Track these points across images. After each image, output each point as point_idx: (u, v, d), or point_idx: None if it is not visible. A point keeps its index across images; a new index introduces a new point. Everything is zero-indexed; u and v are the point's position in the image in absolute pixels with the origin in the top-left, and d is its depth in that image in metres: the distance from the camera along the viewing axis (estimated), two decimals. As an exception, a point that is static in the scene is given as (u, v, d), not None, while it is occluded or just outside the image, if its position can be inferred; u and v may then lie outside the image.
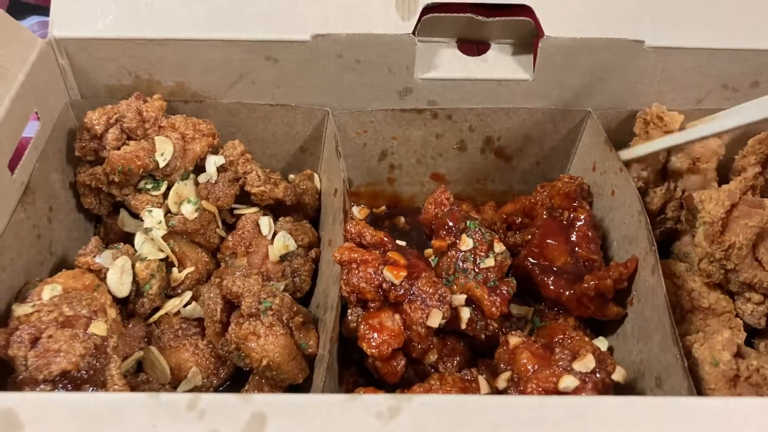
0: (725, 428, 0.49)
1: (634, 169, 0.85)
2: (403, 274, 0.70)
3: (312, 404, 0.54)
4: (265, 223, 0.86)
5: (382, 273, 0.70)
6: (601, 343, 0.78)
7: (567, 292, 0.78)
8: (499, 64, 0.87)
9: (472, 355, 0.78)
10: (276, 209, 0.90)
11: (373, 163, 0.95)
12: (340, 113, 0.89)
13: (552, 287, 0.78)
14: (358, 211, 0.97)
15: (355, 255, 0.71)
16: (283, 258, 0.85)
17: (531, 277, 0.80)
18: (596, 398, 0.57)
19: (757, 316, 0.78)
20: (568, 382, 0.65)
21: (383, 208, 0.99)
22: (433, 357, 0.73)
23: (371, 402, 0.53)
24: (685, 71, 0.86)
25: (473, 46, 0.88)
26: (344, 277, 0.70)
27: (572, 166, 0.94)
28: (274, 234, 0.86)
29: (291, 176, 0.94)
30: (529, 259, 0.81)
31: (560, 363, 0.68)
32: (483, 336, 0.75)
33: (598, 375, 0.67)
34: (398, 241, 0.80)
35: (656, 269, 0.73)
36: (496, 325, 0.75)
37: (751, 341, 0.81)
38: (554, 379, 0.65)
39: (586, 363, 0.67)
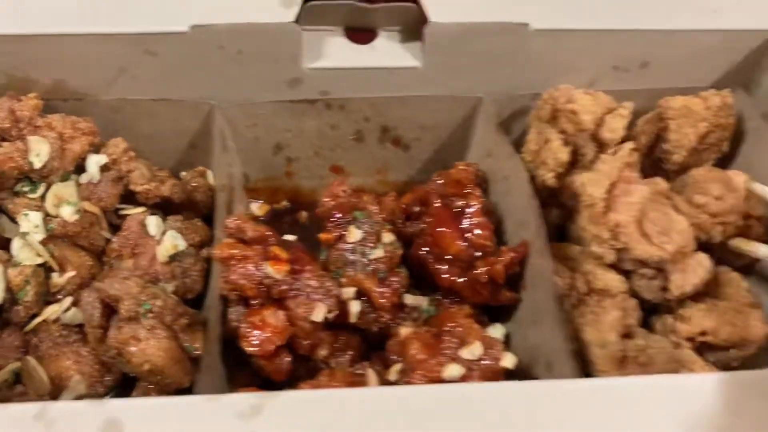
0: (591, 409, 0.49)
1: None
2: (285, 268, 0.67)
3: (170, 407, 0.52)
4: (153, 222, 0.83)
5: (263, 268, 0.67)
6: (497, 330, 0.78)
7: (460, 280, 0.77)
8: (388, 51, 0.86)
9: (368, 349, 0.76)
10: (166, 208, 0.87)
11: (269, 157, 0.92)
12: (228, 107, 0.86)
13: (445, 276, 0.77)
14: (257, 208, 0.94)
15: (235, 251, 0.68)
16: (172, 258, 0.82)
17: (425, 266, 0.79)
18: (468, 385, 0.56)
19: (653, 290, 0.78)
20: (454, 370, 0.64)
21: (284, 203, 0.96)
22: (323, 352, 0.71)
23: (232, 402, 0.51)
24: (575, 53, 0.86)
25: (363, 33, 0.87)
26: (223, 275, 0.68)
27: (470, 153, 0.93)
28: (165, 234, 0.83)
29: (183, 173, 0.91)
30: (423, 248, 0.80)
31: (447, 351, 0.67)
32: (375, 328, 0.74)
33: (485, 362, 0.66)
34: (288, 236, 0.78)
35: (545, 253, 0.72)
36: (388, 317, 0.73)
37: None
38: (440, 368, 0.64)
39: (472, 350, 0.66)
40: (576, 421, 0.47)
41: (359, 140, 0.92)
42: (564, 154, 0.81)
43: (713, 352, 0.77)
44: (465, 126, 0.91)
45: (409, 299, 0.78)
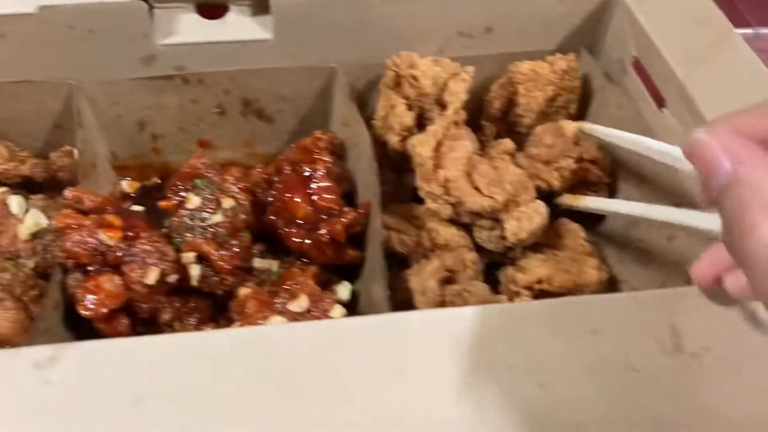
0: (369, 341, 0.52)
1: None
2: (118, 235, 0.70)
3: (-31, 362, 0.54)
4: (15, 202, 0.84)
5: (97, 236, 0.70)
6: (345, 288, 0.81)
7: (307, 241, 0.80)
8: (240, 25, 0.88)
9: (218, 312, 0.79)
10: (31, 187, 0.89)
11: (134, 135, 0.94)
12: (87, 86, 0.88)
13: (293, 239, 0.81)
14: (127, 185, 0.96)
15: (71, 221, 0.71)
16: (34, 236, 0.84)
17: (276, 230, 0.82)
18: (258, 327, 0.59)
19: (494, 241, 0.81)
20: (275, 322, 0.67)
21: (154, 179, 0.98)
22: (166, 316, 0.74)
23: (31, 353, 0.54)
24: (421, 21, 0.89)
25: (214, 9, 0.89)
26: (59, 244, 0.70)
27: (332, 123, 0.96)
28: (27, 212, 0.85)
29: (52, 154, 0.93)
30: (274, 213, 0.83)
31: (277, 306, 0.70)
32: (221, 292, 0.77)
33: (314, 313, 0.70)
34: (136, 207, 0.80)
35: (378, 213, 0.76)
36: (232, 280, 0.76)
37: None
38: (263, 321, 0.67)
39: (299, 303, 0.69)
40: (355, 351, 0.51)
41: (222, 114, 0.94)
42: (408, 119, 0.84)
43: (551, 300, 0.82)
44: (324, 96, 0.94)
45: (258, 262, 0.81)
